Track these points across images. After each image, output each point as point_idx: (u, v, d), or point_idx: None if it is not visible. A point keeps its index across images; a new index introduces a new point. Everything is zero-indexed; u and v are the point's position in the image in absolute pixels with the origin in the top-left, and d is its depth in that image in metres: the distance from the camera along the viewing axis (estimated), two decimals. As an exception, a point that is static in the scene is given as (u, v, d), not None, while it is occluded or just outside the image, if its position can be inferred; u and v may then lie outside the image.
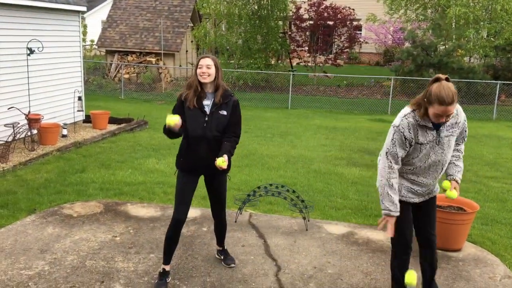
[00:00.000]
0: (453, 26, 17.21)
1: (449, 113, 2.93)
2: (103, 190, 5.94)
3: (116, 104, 14.41)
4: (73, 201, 5.51)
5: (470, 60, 17.87)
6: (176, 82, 19.11)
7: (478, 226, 5.14)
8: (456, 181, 3.27)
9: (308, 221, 4.98)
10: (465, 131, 3.31)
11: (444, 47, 17.00)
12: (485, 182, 7.12)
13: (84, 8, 9.69)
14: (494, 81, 15.51)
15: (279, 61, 21.49)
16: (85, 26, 27.17)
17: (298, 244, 4.53)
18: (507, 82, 15.98)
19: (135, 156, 7.75)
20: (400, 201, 3.22)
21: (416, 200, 3.30)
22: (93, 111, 10.10)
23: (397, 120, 3.13)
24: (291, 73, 17.54)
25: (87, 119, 10.10)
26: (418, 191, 3.27)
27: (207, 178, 3.81)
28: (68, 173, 6.61)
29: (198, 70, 3.54)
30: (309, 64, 20.82)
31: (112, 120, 10.38)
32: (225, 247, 4.16)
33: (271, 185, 5.13)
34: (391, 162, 3.13)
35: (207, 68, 3.52)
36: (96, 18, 32.03)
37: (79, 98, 9.67)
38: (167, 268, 3.72)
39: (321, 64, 20.80)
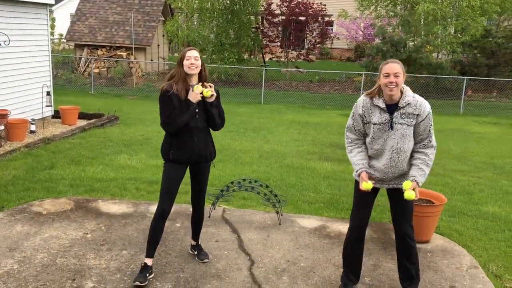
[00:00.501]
0: (422, 22, 17.54)
1: (395, 71, 3.18)
2: (74, 186, 5.84)
3: (86, 99, 14.15)
4: (43, 198, 5.39)
5: (438, 56, 18.28)
6: (148, 77, 18.89)
7: (445, 218, 5.29)
8: (417, 183, 3.26)
9: (281, 215, 5.03)
10: (430, 130, 3.33)
11: (413, 43, 17.33)
12: (452, 176, 7.33)
13: (52, 1, 9.46)
14: (461, 77, 15.93)
15: (252, 56, 21.48)
16: (53, 20, 26.52)
17: (271, 238, 4.56)
18: (474, 77, 16.44)
19: (106, 152, 7.64)
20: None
21: (377, 185, 3.43)
22: (62, 106, 9.89)
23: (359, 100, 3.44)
24: (264, 68, 17.57)
25: (56, 115, 9.88)
26: (373, 175, 3.41)
27: (192, 167, 3.85)
28: (37, 169, 6.47)
29: (186, 62, 3.60)
30: (282, 59, 20.90)
31: (82, 116, 10.20)
32: (199, 243, 4.16)
33: (244, 180, 5.15)
34: (348, 133, 3.49)
35: (195, 60, 3.62)
36: (65, 11, 31.30)
37: (48, 93, 9.45)
38: (150, 262, 3.68)
39: (293, 60, 20.91)
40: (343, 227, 4.93)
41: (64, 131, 8.94)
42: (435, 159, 8.34)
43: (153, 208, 5.21)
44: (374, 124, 3.31)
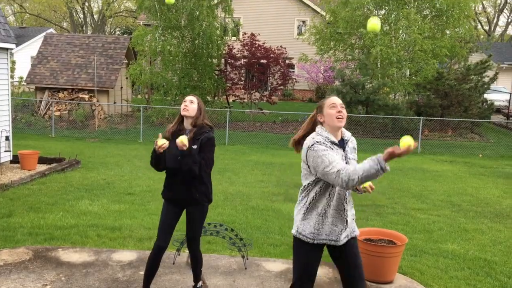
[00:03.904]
0: (378, 65, 18.32)
1: (340, 102, 3.11)
2: (32, 235, 5.65)
3: (46, 142, 13.85)
4: (-1, 248, 5.19)
5: (395, 97, 19.01)
6: (111, 119, 18.72)
7: (407, 258, 5.40)
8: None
9: (247, 259, 5.01)
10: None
11: (370, 85, 18.01)
12: (413, 214, 7.52)
13: (13, 46, 9.40)
14: (417, 117, 16.58)
15: (216, 98, 21.72)
16: (13, 62, 26.13)
17: (237, 284, 4.53)
18: (429, 118, 17.15)
19: (66, 198, 7.46)
20: (305, 242, 3.14)
21: (331, 243, 3.15)
22: (21, 151, 9.66)
23: (308, 142, 3.06)
24: (228, 109, 17.78)
25: (15, 160, 9.63)
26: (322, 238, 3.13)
27: (186, 211, 4.01)
28: (-7, 218, 6.23)
29: (182, 105, 3.85)
30: (245, 100, 21.22)
31: (42, 160, 9.97)
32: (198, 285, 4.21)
33: (209, 224, 5.13)
34: (340, 170, 2.87)
35: (190, 103, 3.83)
36: (25, 54, 30.97)
37: (7, 138, 9.23)
38: None
39: (256, 101, 21.26)
40: (309, 270, 4.96)
41: (23, 176, 8.70)
42: (395, 198, 8.52)
43: (116, 255, 5.10)
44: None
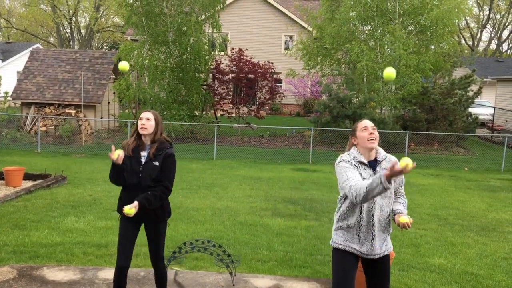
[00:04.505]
0: (364, 80, 18.54)
1: (371, 125, 3.30)
2: (17, 253, 5.56)
3: (32, 158, 13.70)
4: (-18, 267, 5.10)
5: (381, 112, 19.21)
6: (98, 134, 18.60)
7: (395, 272, 5.41)
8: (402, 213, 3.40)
9: (235, 275, 4.99)
10: (401, 184, 3.47)
11: (357, 99, 18.19)
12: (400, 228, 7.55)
13: (-2, 61, 9.34)
14: (403, 131, 16.76)
15: (204, 113, 21.74)
16: (-2, 77, 25.91)
17: (225, 301, 4.50)
18: (415, 132, 17.34)
19: (52, 215, 7.36)
20: (339, 249, 3.38)
21: (358, 249, 3.35)
22: (6, 167, 9.54)
23: (337, 159, 3.36)
24: (216, 124, 17.79)
25: (0, 176, 9.50)
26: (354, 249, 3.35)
27: (145, 226, 3.94)
28: (-23, 236, 6.13)
29: (138, 122, 3.81)
30: (233, 115, 21.27)
31: (27, 176, 9.85)
32: None
33: (197, 240, 5.11)
34: (352, 186, 3.14)
35: (147, 120, 3.79)
36: (11, 69, 30.76)
37: (-9, 154, 9.12)
38: None
39: (244, 115, 21.32)
40: (297, 285, 4.95)
41: (7, 193, 8.58)
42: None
43: (102, 273, 5.04)
44: (364, 178, 3.26)
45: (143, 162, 3.79)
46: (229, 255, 5.00)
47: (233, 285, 4.88)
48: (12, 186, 9.17)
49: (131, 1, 18.82)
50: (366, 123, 3.33)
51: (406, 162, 2.92)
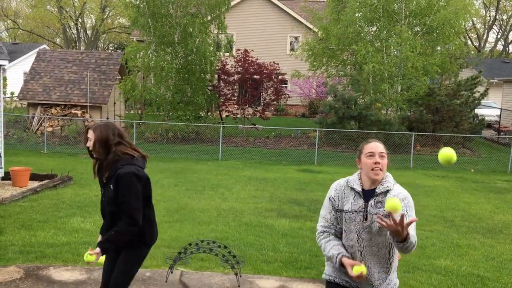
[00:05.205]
0: (370, 81, 18.50)
1: (380, 151, 2.75)
2: (23, 253, 5.59)
3: (38, 159, 13.78)
4: (-11, 267, 5.13)
5: (387, 113, 19.16)
6: (103, 135, 18.64)
7: (400, 274, 5.39)
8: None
9: (240, 276, 4.99)
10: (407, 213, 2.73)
11: (363, 100, 18.15)
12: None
13: (5, 62, 9.42)
14: (409, 132, 16.71)
15: (209, 113, 21.78)
16: (5, 78, 26.06)
17: (230, 302, 4.50)
18: (421, 133, 17.28)
19: (58, 215, 7.40)
20: (330, 282, 2.93)
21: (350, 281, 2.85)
22: (13, 167, 9.60)
23: (334, 182, 3.00)
24: (221, 125, 17.82)
25: (7, 176, 9.57)
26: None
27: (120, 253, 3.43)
28: (-16, 236, 6.17)
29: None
30: (238, 116, 21.28)
31: (34, 177, 9.90)
32: None
33: (202, 241, 5.12)
34: (318, 231, 2.91)
35: (88, 141, 3.25)
36: (18, 70, 30.94)
37: (-2, 154, 9.19)
38: None
39: (249, 116, 21.33)
40: (302, 287, 4.94)
41: (14, 193, 8.63)
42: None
43: (108, 273, 5.05)
44: (345, 212, 2.79)
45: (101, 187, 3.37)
46: (234, 256, 5.00)
47: (239, 286, 4.88)
48: (19, 187, 9.22)
49: (137, 2, 18.90)
50: (374, 147, 2.77)
51: (361, 269, 2.59)
